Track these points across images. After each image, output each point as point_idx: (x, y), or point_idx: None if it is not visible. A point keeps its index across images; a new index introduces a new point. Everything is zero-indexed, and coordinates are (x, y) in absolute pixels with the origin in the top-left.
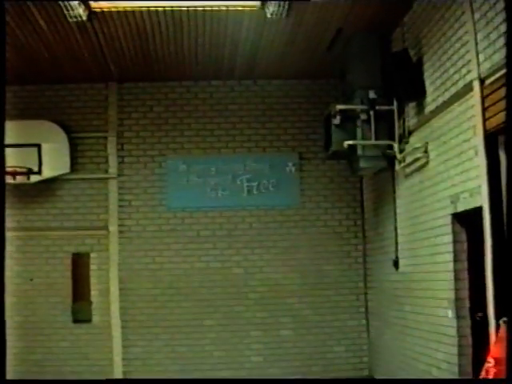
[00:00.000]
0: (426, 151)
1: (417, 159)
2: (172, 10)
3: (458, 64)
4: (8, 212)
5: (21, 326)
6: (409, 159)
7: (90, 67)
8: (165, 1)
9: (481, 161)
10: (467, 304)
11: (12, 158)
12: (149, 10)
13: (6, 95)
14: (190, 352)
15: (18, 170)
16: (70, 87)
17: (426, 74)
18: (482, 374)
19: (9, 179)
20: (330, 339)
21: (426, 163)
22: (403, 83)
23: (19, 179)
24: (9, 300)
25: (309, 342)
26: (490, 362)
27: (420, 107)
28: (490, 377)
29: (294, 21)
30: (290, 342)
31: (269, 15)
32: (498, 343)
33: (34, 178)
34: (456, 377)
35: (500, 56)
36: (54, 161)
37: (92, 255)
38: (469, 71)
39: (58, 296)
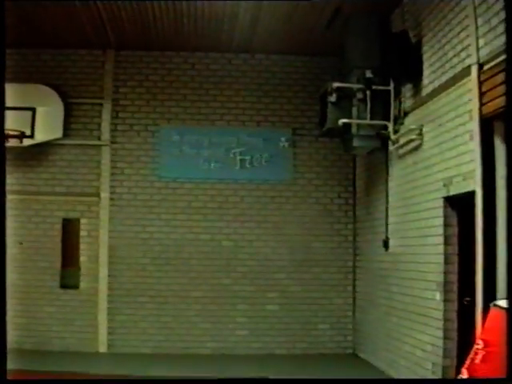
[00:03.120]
0: (420, 133)
1: (411, 141)
2: None
3: (457, 48)
4: None
5: (7, 290)
6: (403, 140)
7: (88, 33)
8: None
9: (475, 145)
10: (455, 288)
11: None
12: None
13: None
14: (176, 322)
15: (11, 132)
16: (67, 52)
17: (425, 57)
18: (470, 356)
19: None
20: (316, 316)
21: (420, 145)
22: (401, 64)
23: (12, 142)
24: None
25: (294, 318)
26: (479, 344)
27: (417, 89)
28: (478, 358)
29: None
30: (275, 318)
31: None
32: (488, 325)
33: (26, 142)
34: (440, 359)
35: (500, 42)
36: (48, 125)
37: (82, 221)
38: (468, 55)
39: (46, 261)
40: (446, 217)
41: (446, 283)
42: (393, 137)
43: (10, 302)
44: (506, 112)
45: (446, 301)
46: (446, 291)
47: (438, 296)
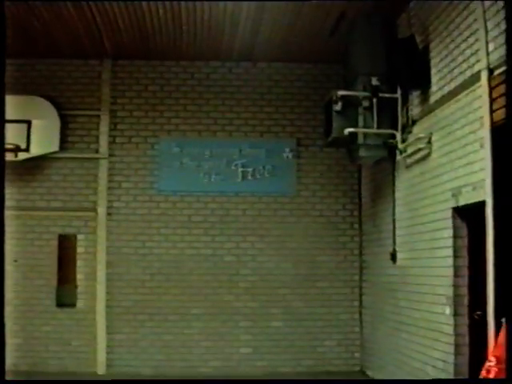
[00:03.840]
0: (429, 142)
1: (419, 150)
2: None
3: (466, 53)
4: None
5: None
6: (411, 149)
7: (84, 42)
8: None
9: (486, 154)
10: (466, 301)
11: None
12: None
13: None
14: (177, 341)
15: (6, 146)
16: (62, 62)
17: (433, 62)
18: (483, 373)
19: None
20: (322, 333)
21: (429, 154)
22: (408, 70)
23: (6, 156)
24: None
25: (299, 335)
26: (492, 361)
27: (425, 96)
28: (491, 376)
29: (296, 2)
30: (280, 334)
31: None
32: (500, 342)
33: (21, 156)
34: (451, 376)
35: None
36: (43, 138)
37: (79, 237)
38: (477, 61)
39: (42, 278)
40: (455, 228)
41: (456, 297)
42: (400, 146)
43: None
44: (506, 112)
45: (456, 315)
46: (456, 305)
47: (448, 310)
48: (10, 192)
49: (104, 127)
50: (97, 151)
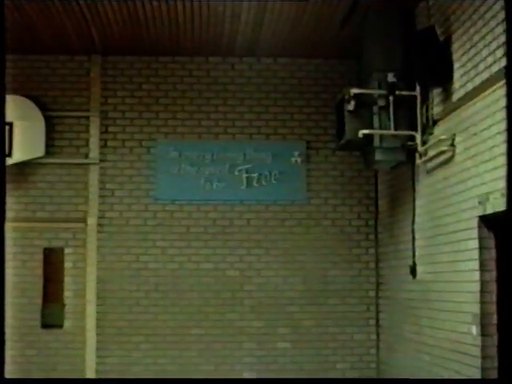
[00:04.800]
0: (452, 144)
1: (441, 153)
2: None
3: (492, 45)
4: None
5: None
6: (432, 152)
7: (70, 36)
8: None
9: None
10: (494, 320)
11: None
12: None
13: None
14: (174, 365)
15: None
16: (47, 59)
17: (455, 56)
18: None
19: None
20: (334, 355)
21: (452, 157)
22: (428, 65)
23: None
24: None
25: (309, 357)
26: None
27: (447, 93)
28: None
29: None
30: (287, 357)
31: None
32: None
33: None
34: None
35: None
36: (27, 142)
37: (67, 251)
38: (504, 54)
39: (25, 297)
40: (481, 239)
41: (483, 315)
42: (420, 149)
43: None
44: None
45: (483, 335)
46: (483, 324)
47: (475, 330)
48: None
49: (94, 130)
50: (86, 156)
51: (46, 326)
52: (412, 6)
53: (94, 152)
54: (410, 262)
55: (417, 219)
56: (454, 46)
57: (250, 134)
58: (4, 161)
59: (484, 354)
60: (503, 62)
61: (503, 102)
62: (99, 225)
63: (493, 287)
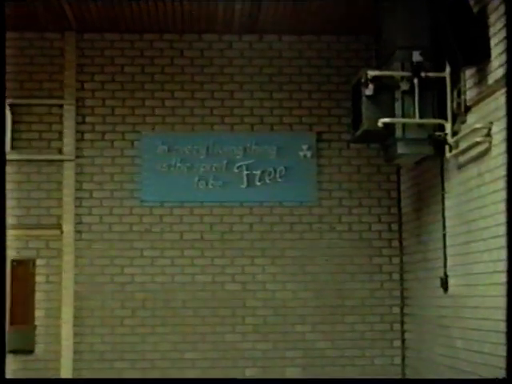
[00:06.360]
0: (488, 134)
1: (476, 144)
2: None
3: None
4: None
5: None
6: (464, 144)
7: (38, 9)
8: None
9: None
10: None
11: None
12: None
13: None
14: None
15: None
16: (11, 36)
17: (492, 30)
18: None
19: None
20: None
21: (488, 150)
22: (460, 42)
23: None
24: None
25: None
26: None
27: (482, 74)
28: None
29: None
30: None
31: None
32: None
33: None
34: None
35: None
36: None
37: (38, 262)
38: None
39: None
40: None
41: None
42: (451, 140)
43: None
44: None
45: None
46: None
47: None
48: None
49: (69, 120)
50: (60, 151)
51: (13, 351)
52: None
53: (69, 146)
54: (441, 274)
55: (447, 223)
56: (491, 19)
57: (250, 124)
58: (4, 161)
59: None
60: None
61: None
62: (76, 232)
63: None
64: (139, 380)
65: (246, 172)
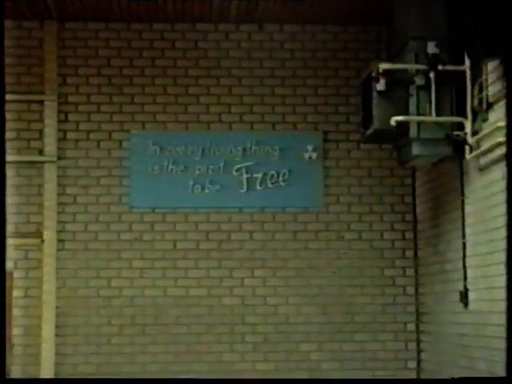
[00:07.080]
0: None
1: (498, 145)
2: None
3: None
4: None
5: None
6: (486, 145)
7: None
8: None
9: None
10: None
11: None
12: None
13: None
14: None
15: None
16: None
17: None
18: None
19: None
20: None
21: None
22: (480, 32)
23: None
24: None
25: None
26: None
27: (506, 68)
28: None
29: None
30: None
31: None
32: None
33: None
34: None
35: None
36: None
37: (16, 274)
38: None
39: None
40: None
41: None
42: (471, 140)
43: None
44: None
45: None
46: None
47: None
48: None
49: (50, 118)
50: (41, 152)
51: None
52: None
53: (50, 147)
54: (461, 287)
55: (467, 231)
56: None
57: (250, 122)
58: (4, 161)
59: None
60: None
61: None
62: (58, 240)
63: None
64: (139, 380)
65: (245, 175)
